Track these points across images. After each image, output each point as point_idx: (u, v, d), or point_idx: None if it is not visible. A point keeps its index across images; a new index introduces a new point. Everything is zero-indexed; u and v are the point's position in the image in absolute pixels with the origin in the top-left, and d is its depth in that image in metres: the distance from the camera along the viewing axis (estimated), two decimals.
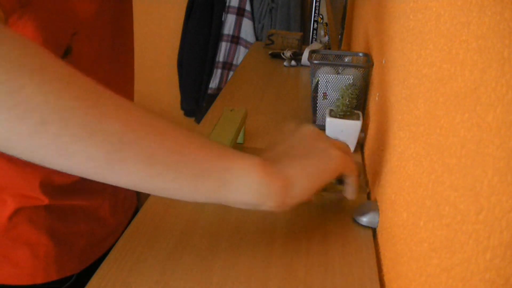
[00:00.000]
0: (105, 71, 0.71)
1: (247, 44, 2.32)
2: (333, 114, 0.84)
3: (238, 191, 0.47)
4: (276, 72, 1.34)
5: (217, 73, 2.37)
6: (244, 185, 0.46)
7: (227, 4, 2.31)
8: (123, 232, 0.61)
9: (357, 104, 0.86)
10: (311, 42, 1.76)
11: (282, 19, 2.23)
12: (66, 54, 0.60)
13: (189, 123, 2.58)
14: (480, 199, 0.30)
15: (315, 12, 1.78)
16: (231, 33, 2.32)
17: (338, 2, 1.45)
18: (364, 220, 0.64)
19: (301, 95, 1.16)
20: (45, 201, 0.67)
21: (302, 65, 1.39)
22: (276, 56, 1.47)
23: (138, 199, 0.69)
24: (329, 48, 1.53)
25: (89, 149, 0.39)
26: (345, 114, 0.83)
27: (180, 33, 2.46)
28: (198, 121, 2.60)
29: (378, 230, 0.63)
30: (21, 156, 0.39)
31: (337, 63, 0.95)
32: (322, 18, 1.76)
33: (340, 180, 0.59)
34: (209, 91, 2.41)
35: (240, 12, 2.30)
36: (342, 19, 1.38)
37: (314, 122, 0.95)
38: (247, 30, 2.31)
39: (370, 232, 0.63)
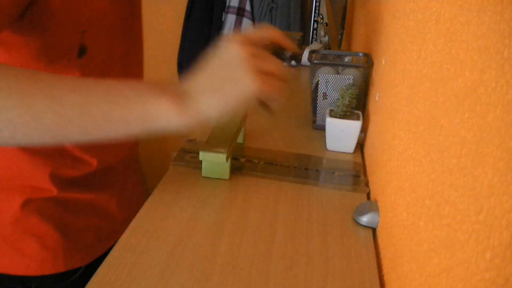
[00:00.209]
0: (115, 73, 0.72)
1: None
2: (333, 114, 0.84)
3: (159, 124, 0.51)
4: None
5: None
6: (163, 121, 0.51)
7: (227, 4, 2.31)
8: None
9: (357, 104, 0.86)
10: (311, 42, 1.77)
11: (282, 19, 2.23)
12: (81, 53, 0.61)
13: None
14: (480, 199, 0.30)
15: (315, 12, 1.78)
16: (231, 33, 2.32)
17: (338, 2, 1.45)
18: (364, 220, 0.64)
19: (301, 95, 1.16)
20: (54, 191, 0.68)
21: (302, 65, 1.39)
22: (276, 56, 1.47)
23: (147, 196, 0.71)
24: (329, 48, 1.53)
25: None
26: (345, 114, 0.83)
27: (180, 33, 2.46)
28: None
29: (378, 230, 0.63)
30: None
31: (337, 63, 0.95)
32: (322, 18, 1.77)
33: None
34: None
35: (240, 12, 2.30)
36: (342, 19, 1.38)
37: (314, 122, 0.95)
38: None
39: (370, 232, 0.63)
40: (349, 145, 0.84)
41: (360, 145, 0.88)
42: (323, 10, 1.77)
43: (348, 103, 0.83)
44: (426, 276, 0.40)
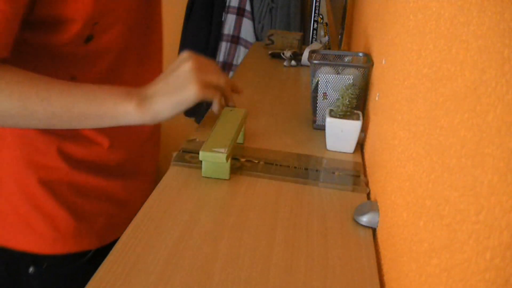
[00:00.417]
0: (130, 62, 0.81)
1: (247, 44, 2.31)
2: (333, 114, 0.84)
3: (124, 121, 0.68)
4: (276, 72, 1.34)
5: None
6: (128, 117, 0.68)
7: (227, 4, 2.31)
8: None
9: (357, 104, 0.86)
10: (311, 42, 1.76)
11: (282, 19, 2.23)
12: (88, 40, 0.71)
13: (189, 123, 2.58)
14: (480, 199, 0.30)
15: (315, 12, 1.78)
16: (231, 33, 2.32)
17: (338, 2, 1.46)
18: (364, 220, 0.64)
19: (301, 95, 1.16)
20: (65, 169, 0.76)
21: (302, 65, 1.39)
22: (276, 56, 1.47)
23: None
24: (329, 48, 1.53)
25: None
26: (345, 114, 0.83)
27: (180, 33, 2.46)
28: (198, 121, 2.60)
29: (378, 230, 0.63)
30: None
31: (337, 63, 0.95)
32: (322, 18, 1.77)
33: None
34: None
35: (240, 12, 2.30)
36: (342, 19, 1.38)
37: (314, 122, 0.95)
38: (247, 30, 2.31)
39: (370, 232, 0.63)
40: (349, 145, 0.84)
41: (360, 145, 0.88)
42: (323, 10, 1.77)
43: (348, 103, 0.83)
44: (426, 276, 0.40)
